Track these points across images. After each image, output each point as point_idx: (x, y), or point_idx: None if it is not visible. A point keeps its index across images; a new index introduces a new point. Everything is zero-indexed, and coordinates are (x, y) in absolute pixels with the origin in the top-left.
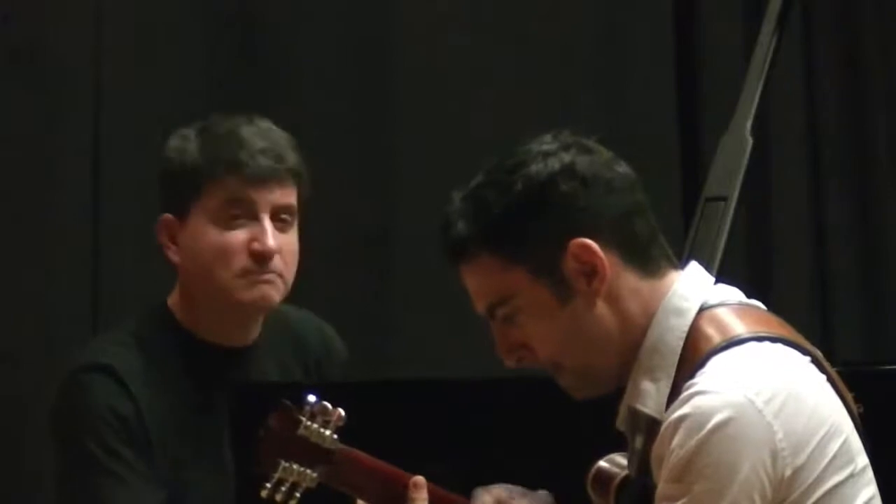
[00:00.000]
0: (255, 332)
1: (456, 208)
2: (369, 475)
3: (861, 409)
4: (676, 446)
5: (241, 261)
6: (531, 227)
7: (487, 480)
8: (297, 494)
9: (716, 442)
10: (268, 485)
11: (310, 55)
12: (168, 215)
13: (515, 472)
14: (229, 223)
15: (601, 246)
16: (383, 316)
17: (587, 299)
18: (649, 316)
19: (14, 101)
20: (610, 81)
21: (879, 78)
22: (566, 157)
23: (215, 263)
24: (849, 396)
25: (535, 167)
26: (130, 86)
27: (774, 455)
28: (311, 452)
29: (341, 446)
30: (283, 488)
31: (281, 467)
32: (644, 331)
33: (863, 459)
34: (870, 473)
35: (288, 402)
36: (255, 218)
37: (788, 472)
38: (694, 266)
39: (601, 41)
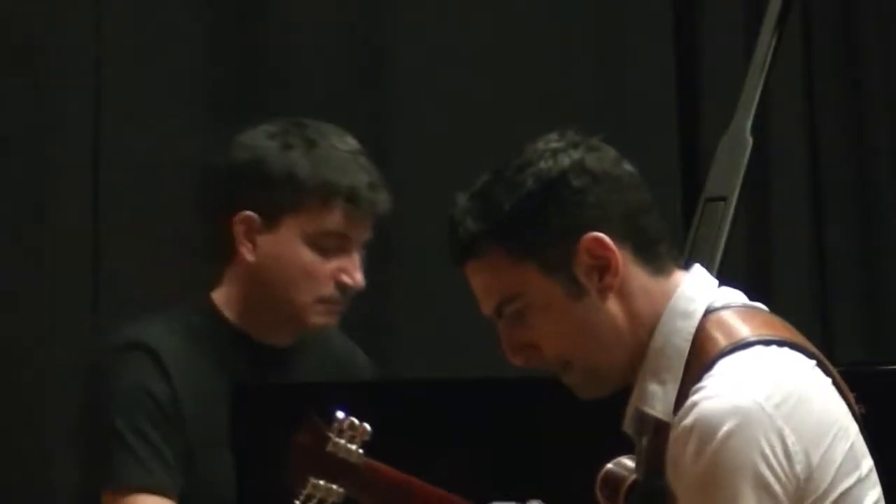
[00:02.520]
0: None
1: (463, 207)
2: (393, 488)
3: (863, 410)
4: (690, 457)
5: (327, 288)
6: (543, 222)
7: (488, 481)
8: None
9: (730, 449)
10: (297, 501)
11: (310, 56)
12: (252, 214)
13: (517, 474)
14: (324, 249)
15: (613, 241)
16: (384, 316)
17: (598, 295)
18: (657, 316)
19: (14, 101)
20: (610, 81)
21: (879, 77)
22: (575, 154)
23: (301, 283)
24: (852, 398)
25: (545, 164)
26: (130, 86)
27: (789, 457)
28: (338, 468)
29: (367, 460)
30: None
31: (310, 483)
32: (651, 331)
33: (868, 462)
34: (875, 475)
35: (317, 418)
36: (346, 250)
37: (804, 476)
38: (698, 268)
39: (600, 41)
